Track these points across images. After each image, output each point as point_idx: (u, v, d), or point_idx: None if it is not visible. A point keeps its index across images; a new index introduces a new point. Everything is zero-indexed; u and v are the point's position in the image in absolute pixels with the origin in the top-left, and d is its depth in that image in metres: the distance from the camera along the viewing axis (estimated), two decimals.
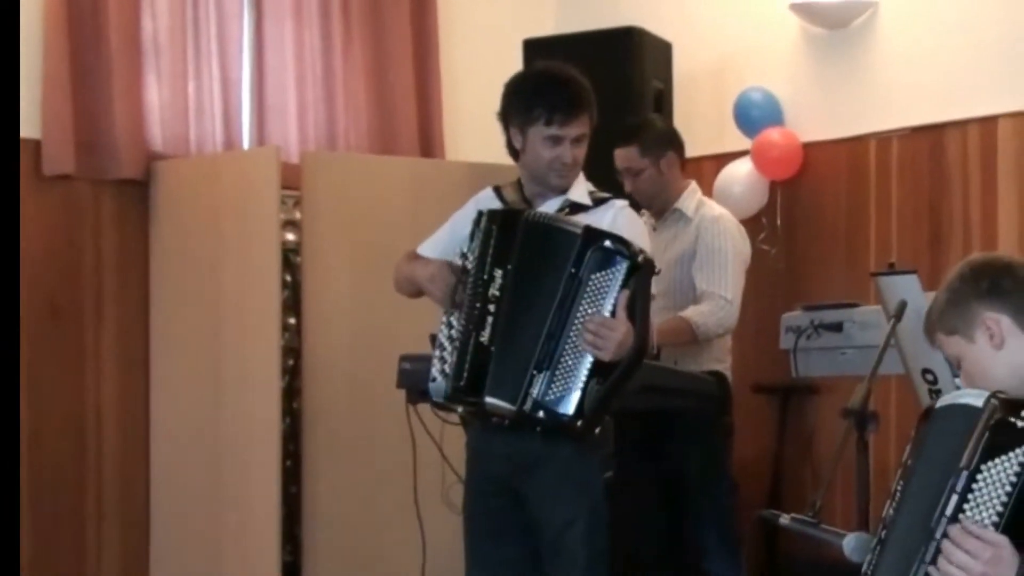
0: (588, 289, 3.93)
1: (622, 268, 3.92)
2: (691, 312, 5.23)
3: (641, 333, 3.94)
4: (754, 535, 6.04)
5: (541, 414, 3.94)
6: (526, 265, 4.02)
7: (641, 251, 3.97)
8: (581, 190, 4.26)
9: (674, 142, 5.56)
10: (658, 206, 5.51)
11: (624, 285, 3.92)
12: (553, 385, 3.93)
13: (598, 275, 3.93)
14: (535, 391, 3.94)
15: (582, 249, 3.94)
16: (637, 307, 3.93)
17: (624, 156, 5.46)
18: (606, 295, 3.92)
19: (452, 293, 4.12)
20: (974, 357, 2.98)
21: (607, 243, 3.95)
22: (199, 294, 5.97)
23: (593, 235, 3.96)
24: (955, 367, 3.07)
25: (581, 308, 3.93)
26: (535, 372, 3.94)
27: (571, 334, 3.93)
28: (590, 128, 4.22)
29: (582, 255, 3.93)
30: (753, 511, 5.19)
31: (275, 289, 5.73)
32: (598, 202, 4.26)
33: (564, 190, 4.23)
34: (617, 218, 4.21)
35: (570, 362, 3.92)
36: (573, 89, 4.20)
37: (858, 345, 4.82)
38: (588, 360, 3.92)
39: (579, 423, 3.93)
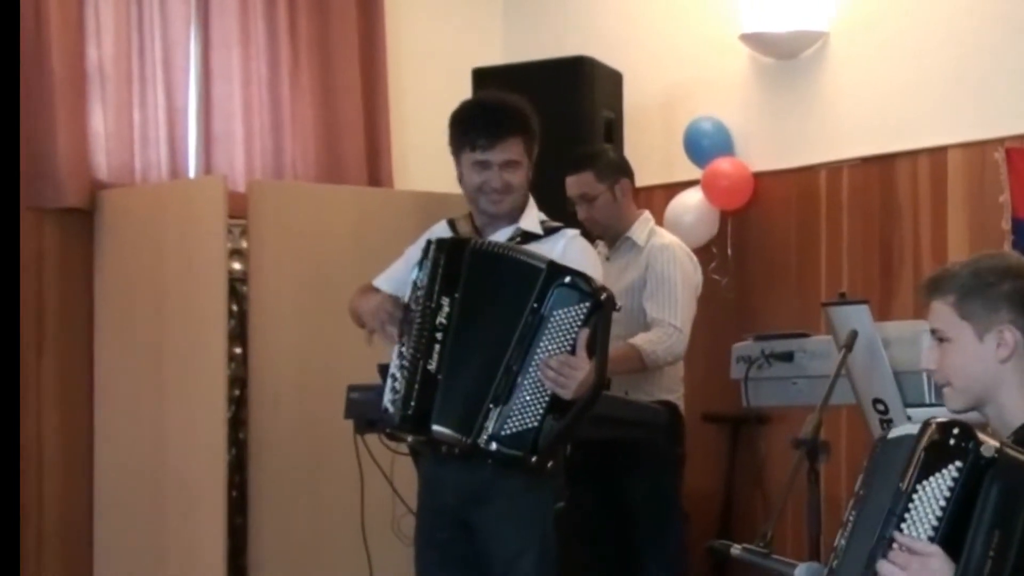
0: (550, 326, 3.90)
1: (585, 306, 3.90)
2: (640, 340, 5.19)
3: (599, 370, 3.92)
4: (704, 566, 6.00)
5: (495, 447, 3.92)
6: (475, 294, 4.00)
7: (603, 288, 3.94)
8: (532, 219, 4.24)
9: (627, 169, 5.55)
10: (611, 235, 5.48)
11: (586, 323, 3.90)
12: (509, 420, 3.91)
13: (560, 312, 3.90)
14: (490, 425, 3.92)
15: (545, 285, 3.91)
16: (597, 345, 3.91)
17: (579, 182, 5.43)
18: (568, 333, 3.89)
19: (396, 327, 4.09)
20: (967, 350, 2.92)
21: (571, 280, 3.92)
22: (144, 324, 5.90)
23: (557, 271, 3.93)
24: (932, 333, 2.97)
25: (542, 345, 3.90)
26: (491, 406, 3.92)
27: (530, 370, 3.90)
28: (525, 154, 4.19)
29: (545, 291, 3.91)
30: (703, 541, 5.14)
31: (221, 318, 5.67)
32: (549, 231, 4.25)
33: (506, 217, 4.21)
34: (568, 247, 4.20)
35: (528, 397, 3.90)
36: (499, 114, 4.18)
37: (809, 375, 4.80)
38: (546, 396, 3.89)
39: (533, 458, 3.91)
